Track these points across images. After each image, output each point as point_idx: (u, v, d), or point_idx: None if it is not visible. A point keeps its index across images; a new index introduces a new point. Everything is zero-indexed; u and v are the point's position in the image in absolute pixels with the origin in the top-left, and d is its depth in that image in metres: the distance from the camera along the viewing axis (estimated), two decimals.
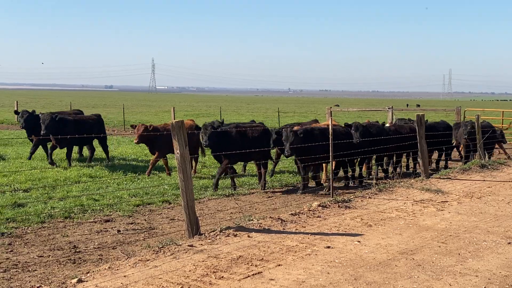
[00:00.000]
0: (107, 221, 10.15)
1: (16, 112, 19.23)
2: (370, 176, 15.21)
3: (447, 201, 11.31)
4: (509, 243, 8.26)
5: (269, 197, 12.62)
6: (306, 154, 13.01)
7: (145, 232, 9.41)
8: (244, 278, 6.54)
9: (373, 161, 15.47)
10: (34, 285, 6.70)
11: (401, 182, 13.27)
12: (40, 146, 17.88)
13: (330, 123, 12.23)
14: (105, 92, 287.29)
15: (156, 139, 14.91)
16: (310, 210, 10.20)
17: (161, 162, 15.86)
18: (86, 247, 8.49)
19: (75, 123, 17.15)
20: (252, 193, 12.94)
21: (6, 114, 44.43)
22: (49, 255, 8.02)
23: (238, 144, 13.53)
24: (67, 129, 16.29)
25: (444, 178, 14.18)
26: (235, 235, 8.42)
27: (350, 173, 14.40)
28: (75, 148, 18.85)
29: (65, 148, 17.08)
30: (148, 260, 7.23)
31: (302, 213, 10.01)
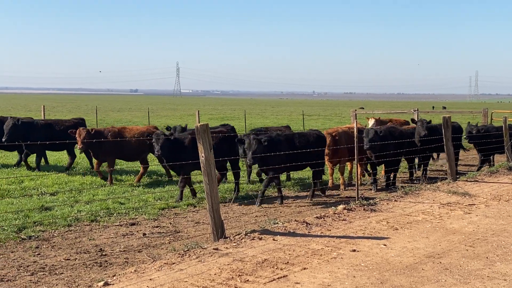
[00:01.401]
0: (133, 224, 10.21)
1: None
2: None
3: (474, 204, 11.17)
4: None
5: (293, 200, 12.59)
6: (273, 163, 11.86)
7: (171, 236, 9.44)
8: (269, 282, 6.53)
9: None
10: None
11: (427, 185, 13.15)
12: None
13: (355, 126, 12.17)
14: (130, 96, 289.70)
15: (101, 143, 13.88)
16: (335, 213, 10.15)
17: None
18: (112, 250, 8.54)
19: (44, 128, 16.47)
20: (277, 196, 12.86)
21: None
22: (76, 258, 8.08)
23: (195, 153, 12.51)
24: (34, 135, 15.88)
25: (471, 181, 14.02)
26: (260, 239, 8.41)
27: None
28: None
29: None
30: (173, 263, 7.25)
31: (327, 216, 9.96)
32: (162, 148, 12.26)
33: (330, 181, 14.24)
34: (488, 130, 17.50)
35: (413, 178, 15.43)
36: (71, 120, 17.94)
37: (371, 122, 18.30)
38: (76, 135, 14.13)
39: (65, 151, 18.04)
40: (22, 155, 16.81)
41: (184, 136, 12.90)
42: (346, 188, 14.04)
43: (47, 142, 14.66)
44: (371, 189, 13.85)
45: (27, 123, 16.41)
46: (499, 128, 17.95)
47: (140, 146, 14.24)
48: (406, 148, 14.47)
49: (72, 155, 16.88)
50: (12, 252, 8.38)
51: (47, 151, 17.90)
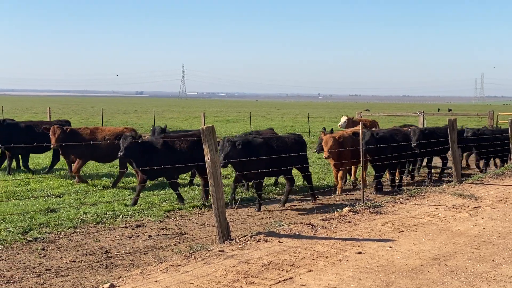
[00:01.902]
0: (138, 226, 10.22)
1: None
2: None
3: (480, 207, 11.15)
4: None
5: (299, 202, 12.59)
6: (249, 168, 11.61)
7: (176, 238, 9.45)
8: (275, 284, 6.53)
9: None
10: None
11: (433, 187, 13.12)
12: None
13: (360, 128, 12.17)
14: (136, 98, 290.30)
15: (75, 143, 13.61)
16: (341, 216, 10.15)
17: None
18: (117, 252, 8.55)
19: (25, 130, 16.07)
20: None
21: None
22: (82, 260, 8.10)
23: (164, 158, 11.94)
24: (17, 137, 15.55)
25: (476, 183, 13.98)
26: (266, 241, 8.41)
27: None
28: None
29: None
30: (179, 265, 7.26)
31: (333, 218, 9.96)
32: (126, 149, 11.78)
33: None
34: (484, 133, 17.36)
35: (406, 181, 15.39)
36: (54, 122, 17.35)
37: (342, 120, 20.39)
38: (50, 133, 13.96)
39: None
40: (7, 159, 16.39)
41: (156, 140, 12.50)
42: (353, 191, 14.02)
43: (23, 145, 14.50)
44: (376, 192, 13.82)
45: (10, 125, 16.08)
46: (495, 131, 17.91)
47: (111, 147, 13.81)
48: (408, 151, 14.40)
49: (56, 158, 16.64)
50: (18, 254, 8.40)
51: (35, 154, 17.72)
